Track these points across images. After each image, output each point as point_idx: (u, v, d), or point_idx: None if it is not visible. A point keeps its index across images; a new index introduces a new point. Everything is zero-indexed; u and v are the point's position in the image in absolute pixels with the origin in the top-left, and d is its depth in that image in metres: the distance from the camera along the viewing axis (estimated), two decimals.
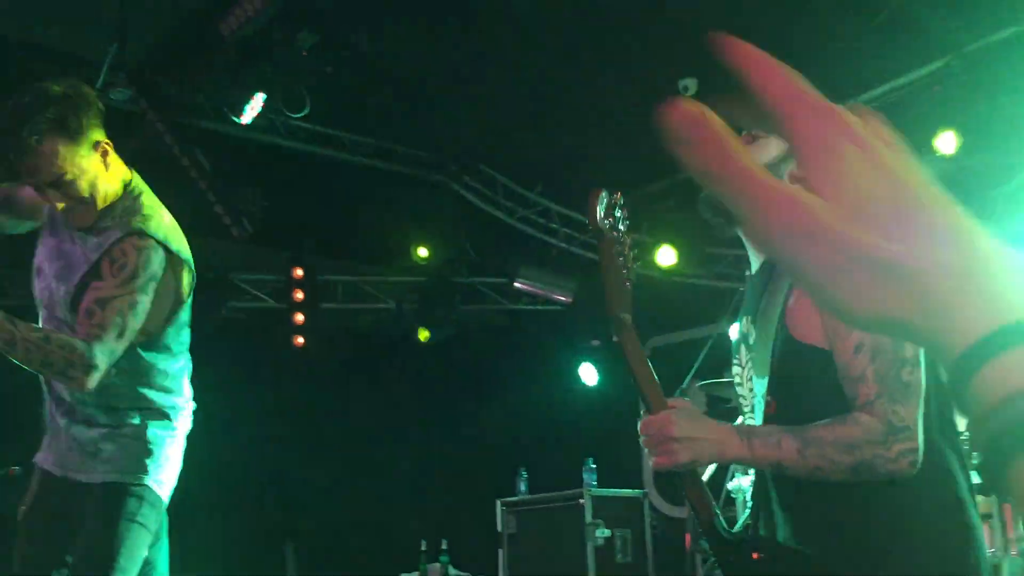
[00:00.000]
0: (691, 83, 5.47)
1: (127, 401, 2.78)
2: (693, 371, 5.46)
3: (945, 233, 0.49)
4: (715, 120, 0.52)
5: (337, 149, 6.42)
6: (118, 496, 2.70)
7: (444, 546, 7.16)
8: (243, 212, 5.64)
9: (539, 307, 7.68)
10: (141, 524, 2.71)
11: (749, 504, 4.76)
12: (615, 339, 1.95)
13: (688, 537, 5.21)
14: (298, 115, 5.15)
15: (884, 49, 5.30)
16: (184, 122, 5.43)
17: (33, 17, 4.98)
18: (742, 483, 5.12)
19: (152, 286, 2.69)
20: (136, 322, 2.65)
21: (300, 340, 7.26)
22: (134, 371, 2.80)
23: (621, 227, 1.93)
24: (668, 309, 7.28)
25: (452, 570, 7.15)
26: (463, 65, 5.84)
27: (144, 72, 4.99)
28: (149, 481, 2.74)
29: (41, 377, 2.81)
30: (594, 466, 6.30)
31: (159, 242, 2.68)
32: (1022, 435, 0.46)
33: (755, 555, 1.89)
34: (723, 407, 6.57)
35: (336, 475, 7.52)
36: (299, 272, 7.16)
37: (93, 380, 2.56)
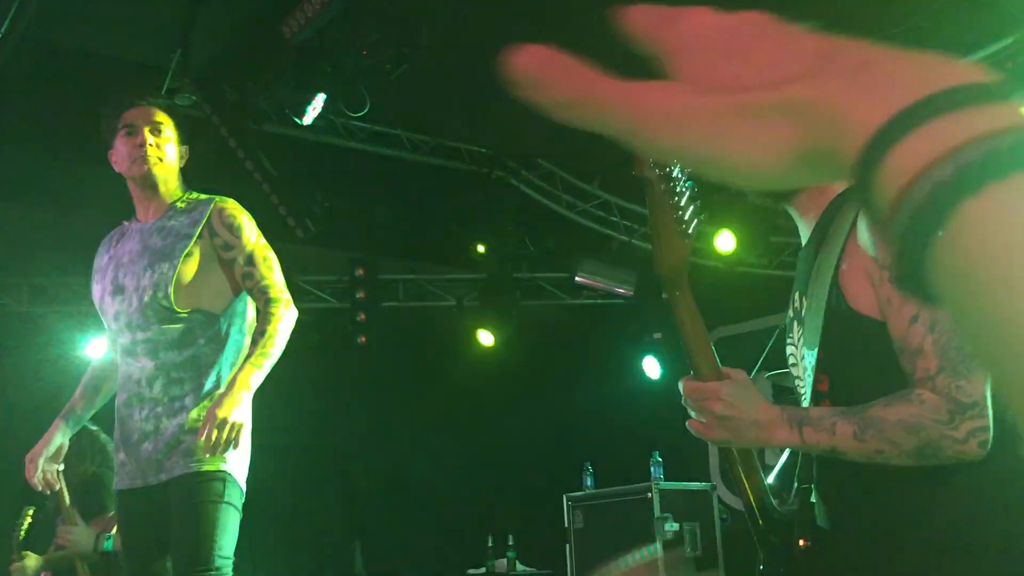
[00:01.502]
0: None
1: (213, 376, 2.84)
2: (760, 362, 5.38)
3: (835, 59, 0.45)
4: (563, 54, 0.50)
5: (396, 148, 6.45)
6: (204, 482, 2.76)
7: (511, 541, 7.17)
8: (306, 214, 5.69)
9: (600, 301, 7.64)
10: (230, 504, 2.78)
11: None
12: (664, 295, 1.79)
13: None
14: (358, 115, 5.18)
15: (956, 26, 5.17)
16: (247, 126, 5.49)
17: (100, 27, 5.08)
18: None
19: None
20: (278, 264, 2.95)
21: (363, 339, 7.31)
22: (216, 339, 2.88)
23: (679, 176, 1.69)
24: (732, 300, 7.19)
25: (519, 565, 7.16)
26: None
27: (208, 77, 5.05)
28: (227, 467, 2.80)
29: (124, 383, 2.89)
30: (660, 459, 6.25)
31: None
32: (940, 207, 0.39)
33: (802, 542, 1.77)
34: (790, 398, 6.48)
35: (402, 472, 7.57)
36: (361, 271, 7.22)
37: (291, 312, 2.86)
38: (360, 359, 7.39)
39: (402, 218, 6.85)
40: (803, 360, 1.84)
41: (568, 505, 6.45)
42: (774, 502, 1.79)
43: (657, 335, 7.39)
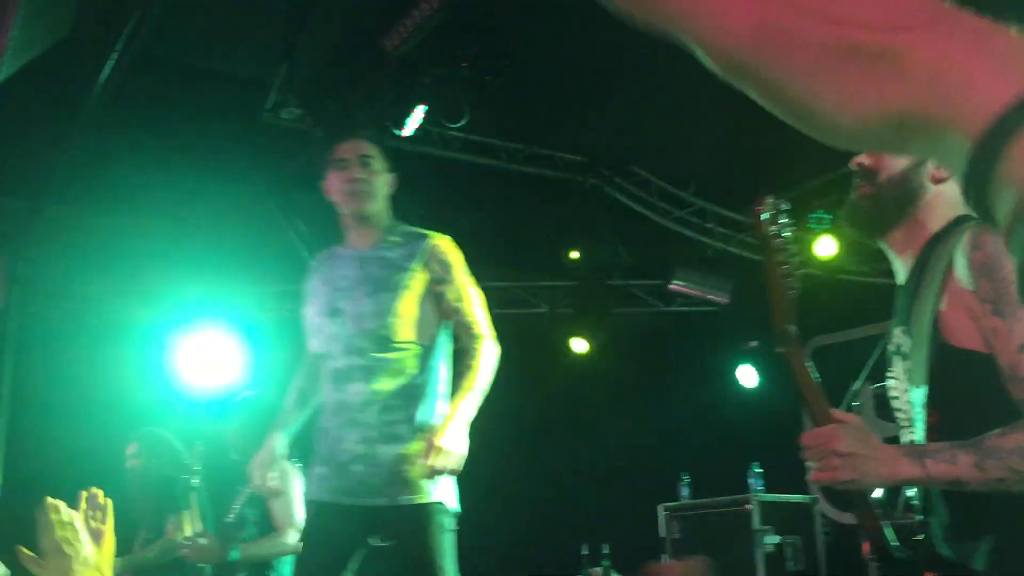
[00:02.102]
0: None
1: (425, 407, 2.97)
2: (866, 373, 5.24)
3: (948, 18, 0.40)
4: None
5: (491, 157, 6.49)
6: (431, 515, 2.90)
7: (606, 550, 7.13)
8: (403, 222, 5.76)
9: (694, 309, 7.56)
10: (452, 531, 2.94)
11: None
12: (780, 351, 1.92)
13: (866, 546, 5.01)
14: (456, 125, 5.23)
15: None
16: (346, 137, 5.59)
17: (209, 43, 5.23)
18: None
19: None
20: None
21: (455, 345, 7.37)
22: (427, 370, 3.02)
23: (785, 234, 1.88)
24: (832, 308, 7.04)
25: (614, 574, 7.11)
26: (614, 67, 5.80)
27: (310, 91, 5.16)
28: (445, 498, 2.94)
29: (330, 413, 3.03)
30: (760, 470, 6.15)
31: None
32: None
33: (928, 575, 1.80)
34: (892, 411, 6.31)
35: (495, 479, 7.59)
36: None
37: (495, 347, 3.06)
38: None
39: (495, 226, 6.88)
40: (907, 395, 1.90)
41: (664, 515, 6.40)
42: (893, 538, 1.84)
43: (753, 343, 7.28)
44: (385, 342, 2.95)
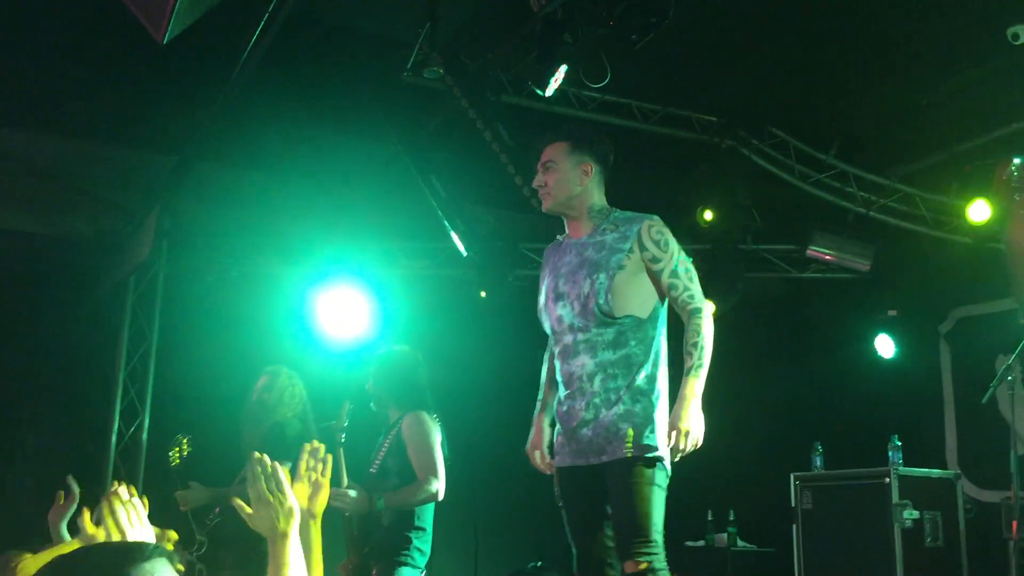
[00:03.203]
0: (1022, 31, 4.97)
1: (643, 374, 3.19)
2: (1021, 348, 5.00)
3: None
4: None
5: (627, 118, 6.40)
6: (639, 466, 3.13)
7: (732, 517, 7.07)
8: None
9: (830, 275, 7.35)
10: (659, 485, 3.15)
11: None
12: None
13: (1015, 524, 4.81)
14: (598, 85, 5.17)
15: None
16: (486, 97, 5.59)
17: (351, 3, 5.29)
18: None
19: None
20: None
21: None
22: (644, 341, 3.24)
23: None
24: (977, 278, 6.75)
25: (740, 542, 7.06)
26: (753, 26, 5.63)
27: (452, 50, 5.17)
28: (658, 453, 3.15)
29: (562, 386, 3.34)
30: (899, 444, 5.96)
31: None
32: None
33: None
34: None
35: None
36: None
37: (711, 322, 3.23)
38: None
39: (631, 187, 6.79)
40: None
41: (796, 485, 6.27)
42: None
43: (892, 312, 7.04)
44: (605, 318, 3.21)
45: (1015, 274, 1.52)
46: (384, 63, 5.68)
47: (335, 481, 4.04)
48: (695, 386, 3.16)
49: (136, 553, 1.43)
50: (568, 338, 3.30)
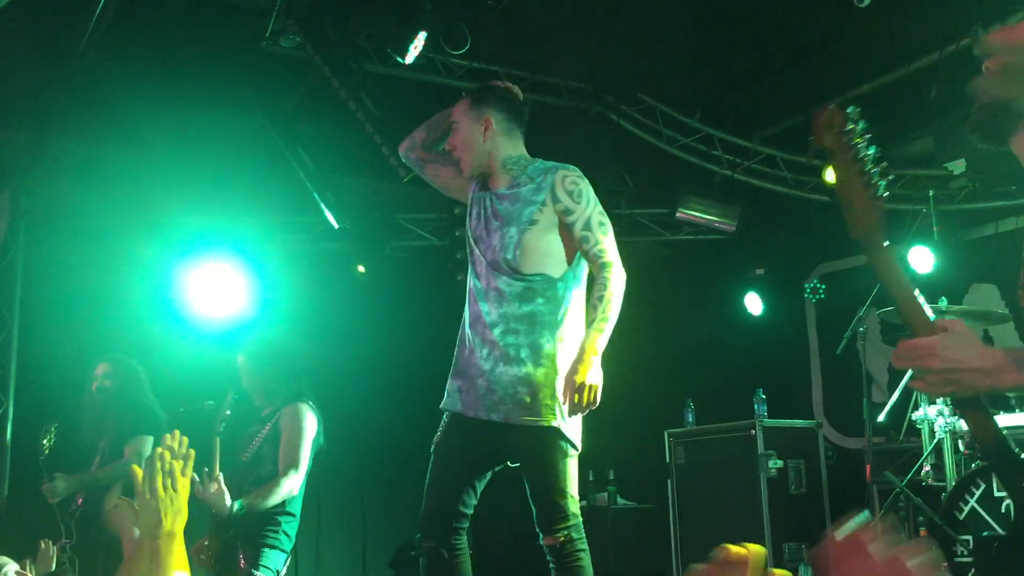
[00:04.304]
0: None
1: (548, 335, 3.09)
2: (870, 299, 5.24)
3: None
4: None
5: None
6: (549, 438, 3.06)
7: (611, 476, 7.23)
8: None
9: (700, 237, 7.54)
10: (570, 456, 3.10)
11: (940, 434, 4.51)
12: (867, 256, 1.78)
13: (868, 468, 5.07)
14: (459, 52, 5.16)
15: None
16: (349, 66, 5.51)
17: None
18: (928, 412, 4.94)
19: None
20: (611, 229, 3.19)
21: (461, 276, 7.36)
22: (554, 300, 3.13)
23: (860, 143, 1.76)
24: (839, 233, 7.01)
25: (620, 500, 7.23)
26: None
27: (310, 19, 5.08)
28: (561, 424, 3.08)
29: (468, 325, 3.22)
30: (764, 396, 6.19)
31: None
32: None
33: None
34: (899, 335, 6.32)
35: None
36: (459, 209, 7.25)
37: (623, 275, 3.13)
38: (459, 296, 7.46)
39: None
40: None
41: (670, 441, 6.47)
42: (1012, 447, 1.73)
43: (759, 271, 7.27)
44: (513, 273, 3.12)
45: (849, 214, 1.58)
46: (245, 32, 5.55)
47: (209, 468, 3.97)
48: (596, 341, 3.03)
49: None
50: (481, 282, 3.21)
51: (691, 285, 7.85)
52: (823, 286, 6.17)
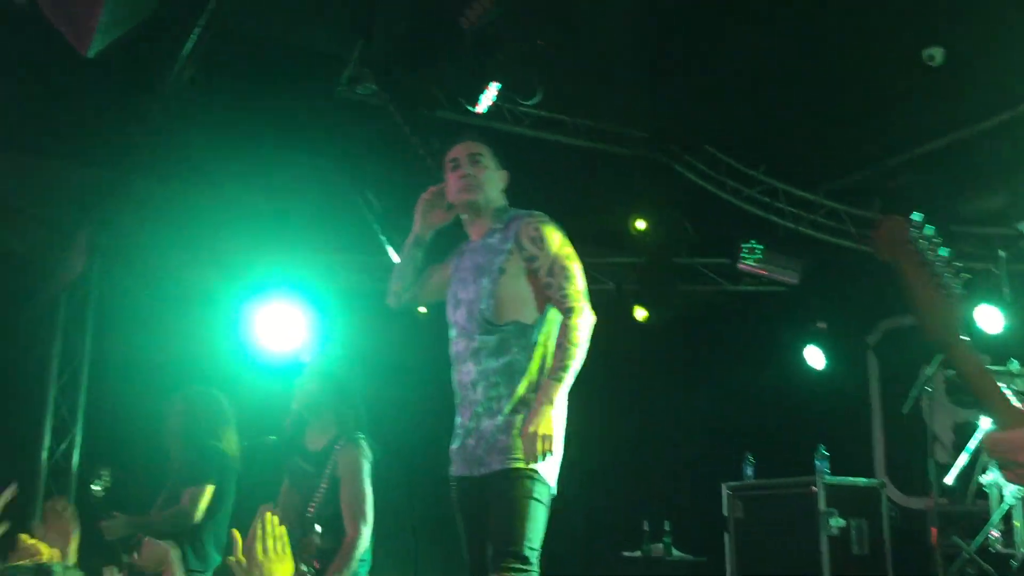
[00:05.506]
0: (937, 52, 5.15)
1: (526, 382, 3.07)
2: (938, 358, 5.17)
3: None
4: None
5: (562, 133, 6.49)
6: (517, 479, 2.99)
7: (667, 527, 7.16)
8: None
9: (762, 288, 7.50)
10: (538, 500, 3.00)
11: (1010, 500, 4.41)
12: (949, 361, 1.78)
13: (934, 531, 4.97)
14: (529, 102, 5.24)
15: None
16: (420, 113, 5.64)
17: (289, 18, 5.30)
18: (998, 477, 4.84)
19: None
20: (581, 274, 3.15)
21: None
22: (527, 348, 3.10)
23: (928, 249, 1.76)
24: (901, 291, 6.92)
25: (675, 551, 7.14)
26: (685, 44, 5.76)
27: (385, 66, 5.21)
28: (537, 466, 3.00)
29: (456, 390, 3.21)
30: (826, 453, 6.10)
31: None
32: None
33: None
34: (965, 396, 6.20)
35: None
36: None
37: (587, 322, 3.05)
38: None
39: (565, 202, 6.87)
40: None
41: (728, 494, 6.38)
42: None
43: (821, 325, 7.21)
44: (487, 324, 3.10)
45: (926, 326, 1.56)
46: (319, 78, 5.70)
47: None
48: (553, 391, 2.97)
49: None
50: (460, 345, 3.20)
51: (751, 336, 7.79)
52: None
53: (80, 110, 5.69)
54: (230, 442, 4.94)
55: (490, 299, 3.10)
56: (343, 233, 7.01)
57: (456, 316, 3.23)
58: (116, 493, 5.07)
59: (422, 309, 7.64)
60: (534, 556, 2.94)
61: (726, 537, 6.34)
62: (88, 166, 6.30)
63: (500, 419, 3.05)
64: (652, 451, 7.86)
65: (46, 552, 2.57)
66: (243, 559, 2.04)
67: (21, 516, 3.19)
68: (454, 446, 3.22)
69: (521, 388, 3.06)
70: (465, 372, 3.17)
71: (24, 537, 2.22)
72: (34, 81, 5.44)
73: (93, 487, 5.00)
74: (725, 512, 6.38)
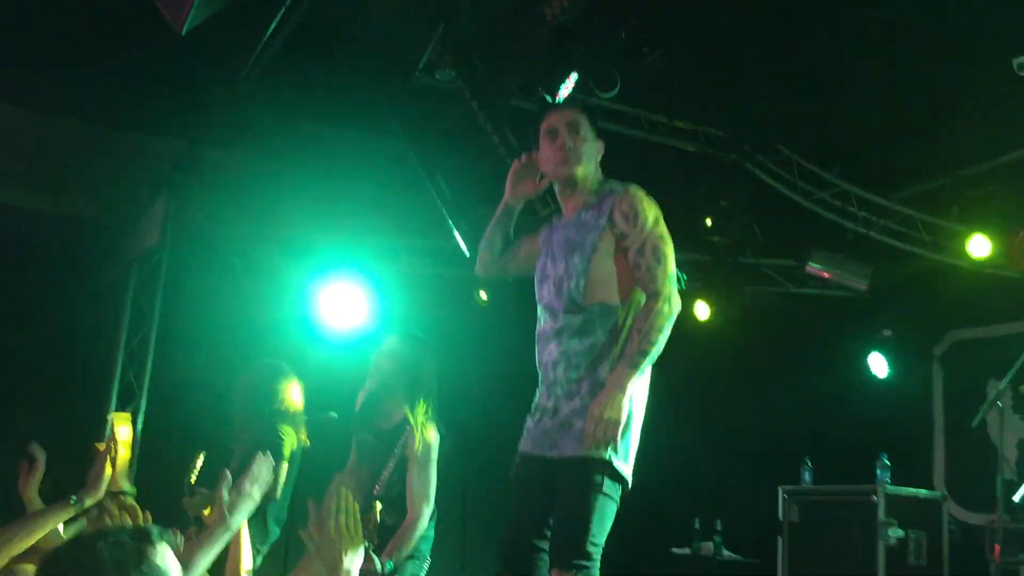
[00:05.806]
0: None
1: (608, 367, 2.93)
2: (1013, 372, 5.06)
3: None
4: None
5: (634, 127, 6.45)
6: (590, 470, 2.88)
7: (719, 527, 7.13)
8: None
9: (827, 292, 7.40)
10: (607, 495, 2.89)
11: None
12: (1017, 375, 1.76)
13: (997, 548, 4.88)
14: (608, 95, 5.22)
15: None
16: (495, 101, 5.63)
17: (366, 4, 5.33)
18: None
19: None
20: (672, 257, 3.00)
21: None
22: (613, 330, 2.97)
23: None
24: (974, 301, 6.79)
25: (726, 552, 7.11)
26: (763, 43, 5.68)
27: (465, 53, 5.21)
28: (613, 458, 2.90)
29: (539, 367, 3.10)
30: (888, 463, 6.02)
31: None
32: None
33: None
34: None
35: None
36: None
37: (673, 308, 2.92)
38: None
39: None
40: None
41: (784, 498, 6.33)
42: None
43: (887, 332, 7.10)
44: (573, 304, 2.98)
45: None
46: (396, 63, 5.72)
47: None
48: (626, 377, 2.83)
49: (150, 535, 1.50)
50: (545, 323, 3.09)
51: (814, 340, 7.70)
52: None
53: (158, 82, 5.77)
54: (296, 418, 4.97)
55: (581, 278, 2.97)
56: (410, 217, 7.04)
57: (542, 292, 3.12)
58: (182, 466, 5.13)
59: (483, 295, 7.70)
60: (597, 552, 2.86)
61: (779, 541, 6.29)
62: (161, 135, 6.39)
63: (578, 402, 2.93)
64: (709, 449, 7.82)
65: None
66: (315, 534, 2.06)
67: (80, 480, 3.26)
68: (529, 422, 3.12)
69: (603, 372, 2.93)
70: (548, 352, 3.05)
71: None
72: (116, 55, 5.54)
73: (191, 474, 5.03)
74: (780, 515, 6.33)
